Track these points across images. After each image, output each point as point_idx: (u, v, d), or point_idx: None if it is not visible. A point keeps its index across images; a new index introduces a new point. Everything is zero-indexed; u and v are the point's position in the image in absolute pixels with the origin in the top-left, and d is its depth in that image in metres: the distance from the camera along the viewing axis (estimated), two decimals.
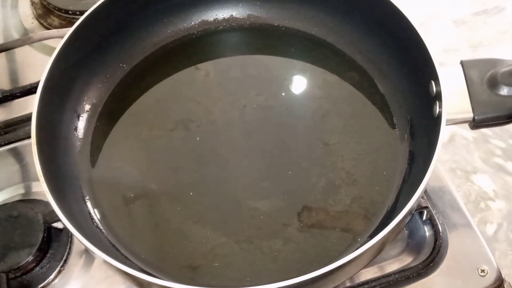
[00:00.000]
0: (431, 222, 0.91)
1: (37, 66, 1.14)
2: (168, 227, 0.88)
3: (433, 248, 0.88)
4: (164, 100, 1.03)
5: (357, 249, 0.68)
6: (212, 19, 1.13)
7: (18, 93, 1.08)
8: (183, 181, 0.92)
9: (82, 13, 0.95)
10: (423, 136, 0.87)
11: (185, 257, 0.85)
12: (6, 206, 0.90)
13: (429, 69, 0.82)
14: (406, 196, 0.75)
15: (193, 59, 1.08)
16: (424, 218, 0.91)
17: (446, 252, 0.88)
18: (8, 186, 1.00)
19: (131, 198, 0.91)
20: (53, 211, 0.75)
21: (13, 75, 1.19)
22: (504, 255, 1.62)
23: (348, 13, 1.03)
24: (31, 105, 0.86)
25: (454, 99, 0.81)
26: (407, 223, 0.90)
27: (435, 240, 0.89)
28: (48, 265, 0.88)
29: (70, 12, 1.25)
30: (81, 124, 0.98)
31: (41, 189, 0.77)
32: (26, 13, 1.31)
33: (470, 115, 0.81)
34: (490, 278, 0.85)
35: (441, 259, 0.87)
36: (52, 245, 0.89)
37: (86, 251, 0.89)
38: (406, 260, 0.89)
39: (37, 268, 0.87)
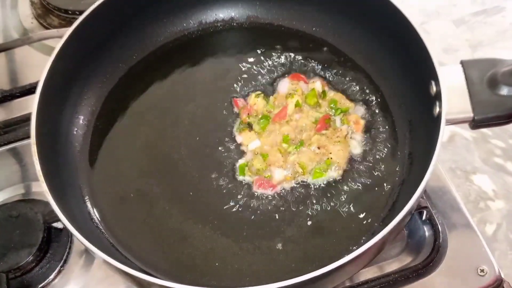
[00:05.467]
0: (431, 222, 0.91)
1: (37, 66, 1.14)
2: (167, 227, 0.88)
3: (433, 248, 0.88)
4: (163, 100, 1.03)
5: (357, 249, 0.69)
6: (212, 19, 1.12)
7: (18, 93, 1.08)
8: (183, 180, 0.92)
9: (81, 13, 0.95)
10: (423, 136, 0.87)
11: (185, 257, 0.85)
12: (6, 206, 0.90)
13: (429, 69, 0.82)
14: (406, 196, 0.75)
15: (192, 59, 1.08)
16: (423, 218, 0.91)
17: (446, 252, 0.88)
18: (8, 186, 1.00)
19: (130, 198, 0.91)
20: (52, 211, 0.75)
21: (13, 75, 1.19)
22: (504, 255, 1.62)
23: (348, 13, 1.03)
24: (30, 105, 0.85)
25: (454, 99, 0.81)
26: (407, 223, 0.90)
27: (435, 240, 0.89)
28: (48, 265, 0.88)
29: (70, 12, 1.25)
30: (81, 124, 0.98)
31: (41, 189, 0.77)
32: (25, 13, 1.31)
33: (470, 115, 0.81)
34: (490, 278, 0.85)
35: (441, 259, 0.87)
36: (52, 245, 0.89)
37: (86, 251, 0.89)
38: (405, 260, 0.89)
39: (37, 268, 0.87)
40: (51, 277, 0.88)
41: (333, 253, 0.82)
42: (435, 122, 0.79)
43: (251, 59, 1.06)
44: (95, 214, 0.89)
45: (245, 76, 1.04)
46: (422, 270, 0.86)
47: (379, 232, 0.69)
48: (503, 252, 1.64)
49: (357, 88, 1.00)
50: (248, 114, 0.97)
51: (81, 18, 0.94)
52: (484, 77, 0.82)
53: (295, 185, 0.90)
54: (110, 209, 0.90)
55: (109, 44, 1.03)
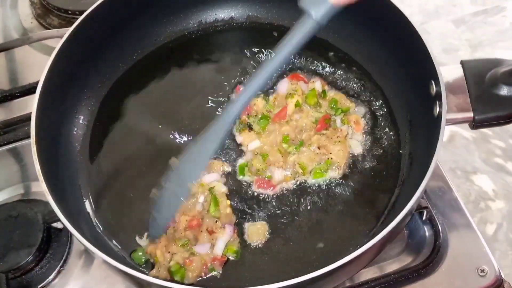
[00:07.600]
0: (431, 222, 0.91)
1: (37, 66, 1.14)
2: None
3: (433, 248, 0.88)
4: (163, 100, 1.03)
5: (357, 249, 0.69)
6: (212, 19, 1.12)
7: (18, 93, 1.08)
8: None
9: (81, 13, 0.95)
10: (423, 136, 0.87)
11: None
12: (5, 206, 0.90)
13: (429, 69, 0.82)
14: (406, 196, 0.75)
15: (192, 59, 1.08)
16: (424, 218, 0.91)
17: (446, 252, 0.88)
18: (8, 186, 1.00)
19: (131, 198, 0.91)
20: (52, 211, 0.75)
21: (13, 75, 1.19)
22: (504, 255, 1.62)
23: (348, 13, 1.02)
24: (30, 105, 0.86)
25: (454, 99, 0.81)
26: (407, 223, 0.90)
27: (435, 240, 0.88)
28: (47, 265, 0.88)
29: (70, 12, 1.25)
30: (81, 123, 0.98)
31: (41, 189, 0.77)
32: (25, 13, 1.31)
33: (470, 114, 0.81)
34: (490, 278, 0.85)
35: (441, 259, 0.87)
36: (51, 245, 0.89)
37: (86, 251, 0.89)
38: (406, 260, 0.89)
39: (37, 268, 0.87)
40: (51, 277, 0.88)
41: (333, 253, 0.82)
42: (435, 122, 0.79)
43: (250, 59, 1.06)
44: (94, 214, 0.89)
45: (244, 76, 1.04)
46: (422, 270, 0.85)
47: (379, 233, 0.69)
48: (503, 252, 1.64)
49: (358, 88, 1.00)
50: (248, 114, 0.97)
51: (81, 18, 0.94)
52: (484, 77, 0.82)
53: (295, 186, 0.90)
54: (109, 209, 0.90)
55: (109, 44, 1.03)
